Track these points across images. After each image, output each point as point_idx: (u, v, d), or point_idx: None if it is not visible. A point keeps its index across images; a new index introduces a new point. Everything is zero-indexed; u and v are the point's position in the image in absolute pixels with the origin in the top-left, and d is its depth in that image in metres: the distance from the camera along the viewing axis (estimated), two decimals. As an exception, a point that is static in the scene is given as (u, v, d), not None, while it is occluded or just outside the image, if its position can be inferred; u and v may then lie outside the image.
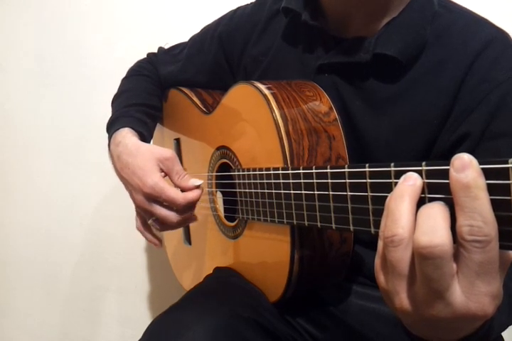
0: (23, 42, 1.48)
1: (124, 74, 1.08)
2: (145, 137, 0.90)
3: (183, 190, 0.80)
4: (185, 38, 1.06)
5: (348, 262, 0.74)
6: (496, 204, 0.35)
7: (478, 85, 0.68)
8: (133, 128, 0.88)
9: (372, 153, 0.76)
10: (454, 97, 0.70)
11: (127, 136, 0.86)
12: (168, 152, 0.82)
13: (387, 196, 0.42)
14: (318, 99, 0.74)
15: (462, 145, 0.68)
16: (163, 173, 0.81)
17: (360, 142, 0.76)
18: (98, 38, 1.41)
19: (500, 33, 0.72)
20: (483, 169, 0.35)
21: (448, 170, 0.37)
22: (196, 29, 1.04)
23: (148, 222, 0.82)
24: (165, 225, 0.82)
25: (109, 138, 0.89)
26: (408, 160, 0.72)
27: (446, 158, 0.68)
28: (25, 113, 1.51)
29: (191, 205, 0.80)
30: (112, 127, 0.89)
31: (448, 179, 0.37)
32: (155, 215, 0.80)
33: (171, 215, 0.79)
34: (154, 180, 0.78)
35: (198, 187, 0.80)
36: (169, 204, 0.79)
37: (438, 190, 0.39)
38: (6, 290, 1.58)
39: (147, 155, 0.81)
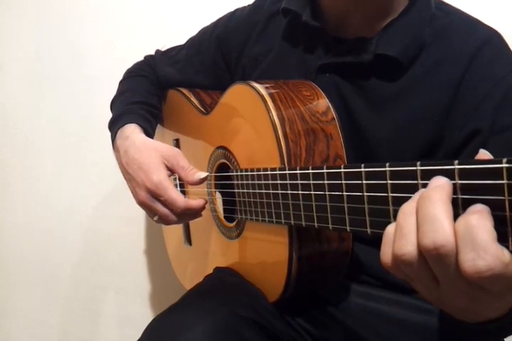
0: (23, 42, 1.48)
1: (123, 74, 1.08)
2: (149, 134, 0.91)
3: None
4: (184, 38, 1.06)
5: (348, 261, 0.74)
6: (490, 205, 0.35)
7: (479, 82, 0.70)
8: (139, 125, 0.89)
9: (373, 152, 0.77)
10: (454, 95, 0.72)
11: (135, 131, 0.86)
12: (173, 149, 0.83)
13: (382, 196, 0.42)
14: (315, 99, 0.74)
15: (473, 142, 0.69)
16: (169, 172, 0.81)
17: (362, 141, 0.77)
18: (98, 37, 1.41)
19: (494, 32, 0.75)
20: (477, 169, 0.35)
21: (444, 169, 0.37)
22: (196, 30, 1.04)
23: (154, 219, 0.83)
24: (168, 222, 0.82)
25: (115, 133, 0.89)
26: (409, 157, 0.73)
27: (457, 156, 0.68)
28: (25, 113, 1.51)
29: (192, 212, 0.80)
30: (117, 123, 0.89)
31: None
32: (157, 212, 0.80)
33: (171, 215, 0.80)
34: (160, 177, 0.78)
35: (204, 180, 0.80)
36: (169, 206, 0.79)
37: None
38: (6, 290, 1.58)
39: (153, 153, 0.81)
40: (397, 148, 0.75)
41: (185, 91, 1.02)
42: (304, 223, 0.61)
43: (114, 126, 0.90)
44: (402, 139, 0.75)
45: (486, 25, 0.76)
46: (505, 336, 0.56)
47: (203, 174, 0.80)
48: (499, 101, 0.69)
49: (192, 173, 0.80)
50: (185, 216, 0.82)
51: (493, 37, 0.74)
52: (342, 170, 0.50)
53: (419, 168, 0.40)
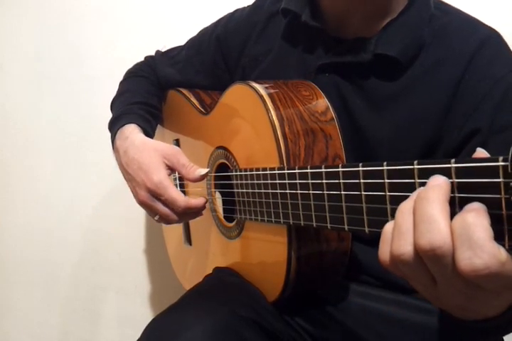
0: (23, 42, 1.48)
1: (123, 74, 1.08)
2: (149, 134, 0.91)
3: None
4: (184, 38, 1.06)
5: (347, 261, 0.74)
6: (487, 203, 0.35)
7: (479, 82, 0.70)
8: (138, 125, 0.89)
9: (373, 151, 0.77)
10: (453, 95, 0.72)
11: (134, 131, 0.87)
12: (173, 148, 0.83)
13: (380, 195, 0.42)
14: (314, 99, 0.74)
15: (472, 141, 0.69)
16: (169, 170, 0.81)
17: (362, 140, 0.77)
18: (98, 37, 1.41)
19: (493, 32, 0.75)
20: (474, 167, 0.35)
21: (440, 168, 0.37)
22: (196, 30, 1.04)
23: (155, 219, 0.83)
24: (168, 221, 0.82)
25: (114, 134, 0.89)
26: (409, 157, 0.73)
27: (457, 156, 0.69)
28: (25, 113, 1.51)
29: (193, 211, 0.81)
30: (117, 123, 0.90)
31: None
32: (158, 212, 0.81)
33: (172, 215, 0.80)
34: (160, 177, 0.78)
35: (205, 176, 0.81)
36: (169, 205, 0.79)
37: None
38: (6, 290, 1.59)
39: (152, 152, 0.82)
40: (397, 148, 0.75)
41: (185, 91, 1.02)
42: (302, 222, 0.61)
43: (114, 126, 0.90)
44: (402, 139, 0.75)
45: (485, 25, 0.76)
46: (504, 334, 0.56)
47: (204, 170, 0.80)
48: (498, 101, 0.69)
49: (193, 170, 0.80)
50: (186, 215, 0.82)
51: (493, 37, 0.74)
52: (340, 169, 0.50)
53: (416, 166, 0.40)
